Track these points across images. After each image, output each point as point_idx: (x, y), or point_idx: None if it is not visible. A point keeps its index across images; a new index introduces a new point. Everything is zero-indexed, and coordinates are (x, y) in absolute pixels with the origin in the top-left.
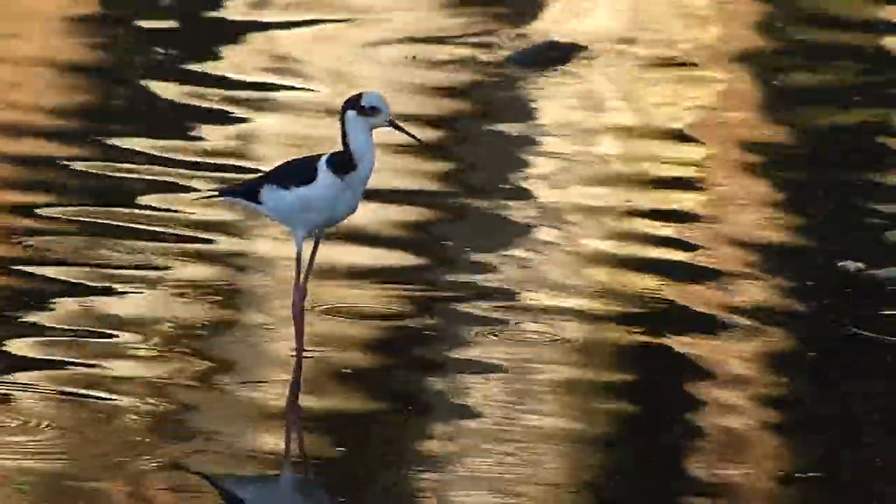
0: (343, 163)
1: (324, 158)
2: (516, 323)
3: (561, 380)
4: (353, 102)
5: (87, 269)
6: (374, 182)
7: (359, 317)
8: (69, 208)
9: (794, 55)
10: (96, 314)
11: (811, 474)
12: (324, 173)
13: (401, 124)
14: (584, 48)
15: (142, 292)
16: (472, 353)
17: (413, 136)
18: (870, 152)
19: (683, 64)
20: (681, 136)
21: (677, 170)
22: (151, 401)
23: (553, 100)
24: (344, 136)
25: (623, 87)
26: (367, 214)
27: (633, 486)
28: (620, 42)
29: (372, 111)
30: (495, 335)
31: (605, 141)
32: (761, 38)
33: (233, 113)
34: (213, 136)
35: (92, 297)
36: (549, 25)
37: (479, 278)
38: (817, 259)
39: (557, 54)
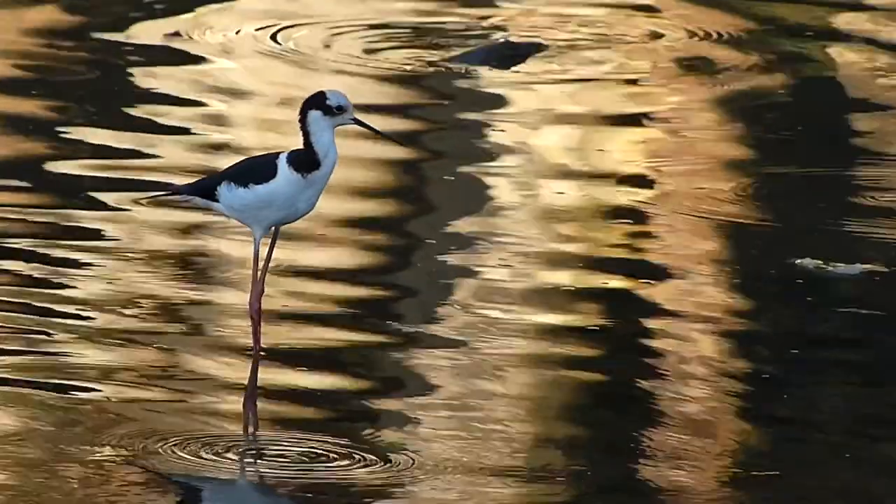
0: (306, 161)
1: (283, 156)
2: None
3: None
4: (318, 101)
5: (42, 260)
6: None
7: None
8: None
9: (749, 58)
10: (50, 307)
11: (768, 473)
12: (284, 171)
13: (363, 119)
14: (542, 47)
15: (98, 288)
16: (434, 332)
17: (377, 131)
18: (827, 151)
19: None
20: (634, 130)
21: (633, 166)
22: (107, 397)
23: (507, 104)
24: (306, 134)
25: (577, 89)
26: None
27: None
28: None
29: (339, 110)
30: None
31: (558, 146)
32: (719, 44)
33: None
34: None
35: (48, 289)
36: (508, 22)
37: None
38: (775, 257)
39: (513, 53)
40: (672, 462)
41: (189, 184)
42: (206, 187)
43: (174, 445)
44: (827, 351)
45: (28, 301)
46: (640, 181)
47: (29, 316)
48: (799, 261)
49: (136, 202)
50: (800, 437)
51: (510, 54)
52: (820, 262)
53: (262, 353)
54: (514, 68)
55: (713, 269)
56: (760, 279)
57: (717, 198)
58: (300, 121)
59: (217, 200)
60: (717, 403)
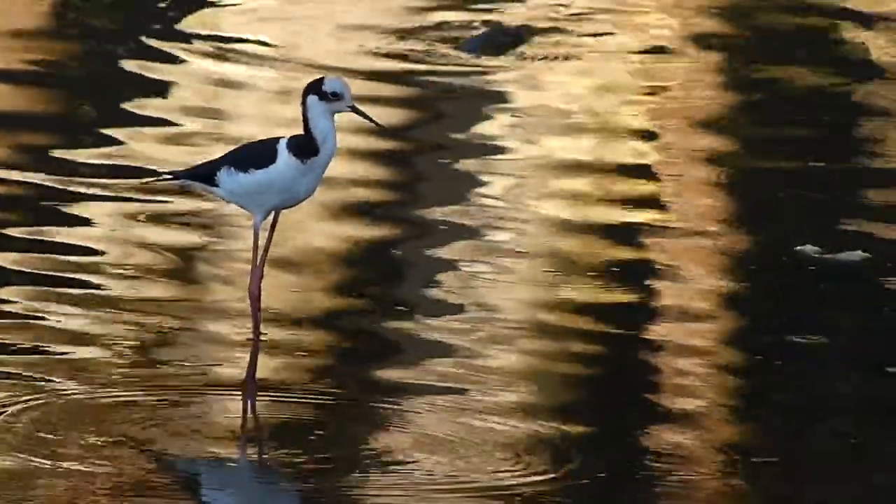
0: (305, 146)
1: (283, 141)
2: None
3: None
4: (315, 87)
5: (39, 249)
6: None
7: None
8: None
9: (760, 41)
10: (48, 293)
11: (768, 459)
12: (284, 156)
13: (361, 109)
14: (540, 30)
15: (96, 272)
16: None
17: (373, 121)
18: (828, 138)
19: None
20: (637, 124)
21: (635, 157)
22: (106, 379)
23: (506, 95)
24: (305, 119)
25: (575, 76)
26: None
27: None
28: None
29: (333, 96)
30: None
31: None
32: (728, 25)
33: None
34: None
35: (45, 275)
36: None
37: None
38: (775, 244)
39: (510, 39)
40: (673, 448)
41: (188, 169)
42: (205, 172)
43: (174, 431)
44: (830, 338)
45: (27, 289)
46: (642, 169)
47: (28, 302)
48: (800, 247)
49: (135, 188)
50: (803, 425)
51: (505, 41)
52: (820, 248)
53: (262, 339)
54: (510, 53)
55: (715, 256)
56: (762, 266)
57: (718, 184)
58: (301, 105)
59: (216, 185)
60: (720, 390)
